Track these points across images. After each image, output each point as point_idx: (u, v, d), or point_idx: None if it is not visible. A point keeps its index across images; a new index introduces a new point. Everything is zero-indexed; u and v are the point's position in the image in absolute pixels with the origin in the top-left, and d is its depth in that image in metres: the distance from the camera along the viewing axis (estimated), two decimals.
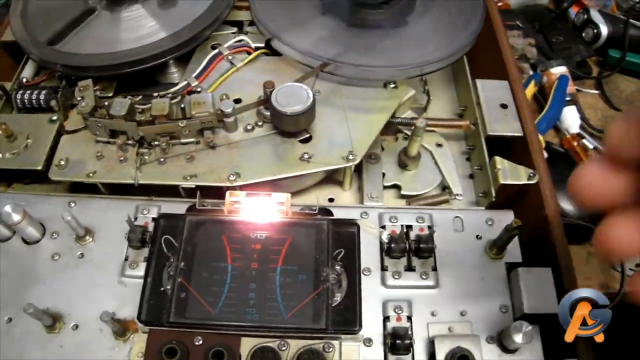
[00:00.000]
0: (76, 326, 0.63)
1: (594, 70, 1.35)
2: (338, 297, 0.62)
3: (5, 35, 0.91)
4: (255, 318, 0.60)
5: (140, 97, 0.77)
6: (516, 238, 0.67)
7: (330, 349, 0.60)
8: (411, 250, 0.67)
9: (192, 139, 0.74)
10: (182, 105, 0.75)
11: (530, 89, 1.21)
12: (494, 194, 0.72)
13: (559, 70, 1.25)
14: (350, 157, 0.72)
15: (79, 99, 0.74)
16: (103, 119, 0.72)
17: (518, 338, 0.59)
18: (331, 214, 0.70)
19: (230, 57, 0.84)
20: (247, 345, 0.60)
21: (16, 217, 0.65)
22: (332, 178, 0.80)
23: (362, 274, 0.65)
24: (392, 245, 0.66)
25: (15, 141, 0.75)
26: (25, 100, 0.80)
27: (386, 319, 0.63)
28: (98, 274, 0.66)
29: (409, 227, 0.69)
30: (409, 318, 0.64)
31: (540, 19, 1.41)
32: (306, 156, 0.72)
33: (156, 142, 0.73)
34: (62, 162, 0.73)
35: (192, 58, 0.85)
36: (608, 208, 0.38)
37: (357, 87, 0.80)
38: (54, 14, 0.85)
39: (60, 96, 0.78)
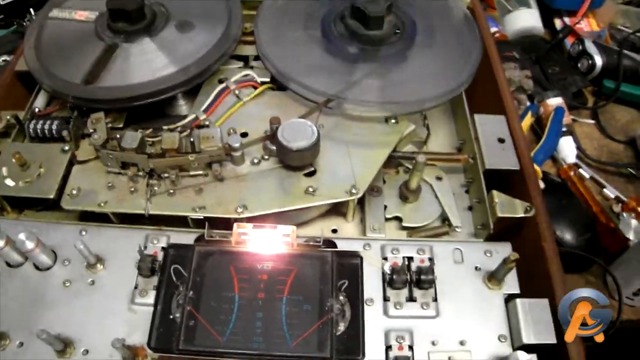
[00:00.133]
0: (86, 351, 0.64)
1: (590, 100, 1.38)
2: (342, 327, 0.64)
3: (19, 65, 0.93)
4: (261, 346, 0.62)
5: (150, 129, 0.79)
6: (514, 269, 0.69)
7: None
8: (412, 281, 0.69)
9: (200, 172, 0.76)
10: (192, 139, 0.77)
11: (527, 120, 1.23)
12: (492, 226, 0.74)
13: (555, 101, 1.27)
14: (354, 190, 0.74)
15: (91, 130, 0.76)
16: (115, 152, 0.74)
17: None
18: (335, 245, 0.71)
19: (237, 92, 0.86)
20: None
21: (30, 245, 0.67)
22: (335, 209, 0.81)
23: (365, 304, 0.67)
24: (394, 276, 0.68)
25: (28, 170, 0.77)
26: (38, 130, 0.82)
27: (388, 348, 0.65)
28: (108, 300, 0.68)
29: (410, 258, 0.71)
30: (410, 347, 0.65)
31: (537, 50, 1.43)
32: (311, 189, 0.74)
33: (166, 174, 0.75)
34: (74, 192, 0.75)
35: (200, 91, 0.87)
36: None
37: (360, 122, 0.82)
38: (69, 48, 0.88)
39: (72, 126, 0.79)
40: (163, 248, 0.70)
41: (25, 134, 0.84)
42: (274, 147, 0.76)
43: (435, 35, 0.91)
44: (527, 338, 0.64)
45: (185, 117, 0.83)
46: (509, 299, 0.69)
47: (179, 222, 0.75)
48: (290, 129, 0.73)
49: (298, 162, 0.75)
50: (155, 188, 0.75)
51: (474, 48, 0.89)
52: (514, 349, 0.65)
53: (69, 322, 0.66)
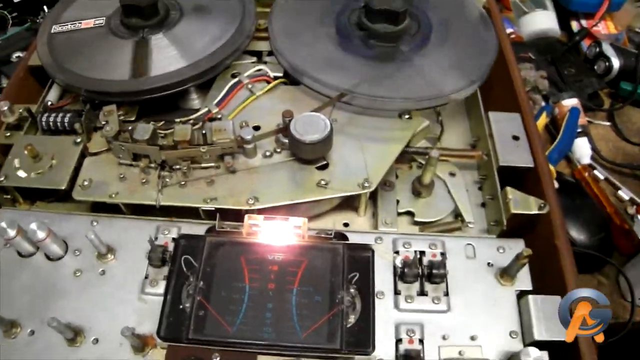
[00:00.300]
0: (96, 340, 0.65)
1: (606, 102, 1.37)
2: (352, 319, 0.64)
3: (32, 60, 0.94)
4: (271, 337, 0.62)
5: (163, 122, 0.80)
6: (526, 266, 0.69)
7: None
8: (424, 275, 0.68)
9: (212, 164, 0.76)
10: (204, 131, 0.77)
11: (542, 120, 1.22)
12: (505, 222, 0.73)
13: (570, 102, 1.26)
14: (366, 184, 0.74)
15: (103, 123, 0.77)
16: (127, 143, 0.75)
17: None
18: (346, 238, 0.71)
19: (250, 86, 0.86)
20: None
21: (41, 235, 0.67)
22: (347, 203, 0.81)
23: (375, 297, 0.66)
24: (406, 270, 0.67)
25: (40, 161, 0.78)
26: (50, 123, 0.82)
27: (399, 341, 0.64)
28: (119, 290, 0.68)
29: (422, 253, 0.70)
30: (421, 341, 0.64)
31: (553, 52, 1.43)
32: (323, 182, 0.74)
33: (177, 166, 0.75)
34: (86, 183, 0.75)
35: (213, 85, 0.87)
36: None
37: (373, 117, 0.82)
38: (82, 46, 0.88)
39: (84, 119, 0.80)
40: (174, 239, 0.70)
41: (38, 127, 0.84)
42: (287, 140, 0.76)
43: (450, 32, 0.90)
44: (539, 334, 0.63)
45: (197, 110, 0.83)
46: (521, 295, 0.68)
47: (190, 213, 0.75)
48: (303, 122, 0.73)
49: (310, 155, 0.75)
50: (167, 180, 0.75)
51: (489, 45, 0.89)
52: (525, 345, 0.65)
53: (80, 311, 0.67)
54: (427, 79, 0.84)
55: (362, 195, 0.76)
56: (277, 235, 0.69)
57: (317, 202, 0.74)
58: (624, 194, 1.15)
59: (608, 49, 1.37)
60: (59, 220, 0.73)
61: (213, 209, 0.73)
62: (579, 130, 1.22)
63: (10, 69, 1.18)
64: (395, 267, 0.69)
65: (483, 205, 0.82)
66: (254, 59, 0.94)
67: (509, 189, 0.74)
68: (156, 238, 0.71)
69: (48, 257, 0.71)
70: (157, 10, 0.89)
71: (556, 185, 1.03)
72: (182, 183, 0.75)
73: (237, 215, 0.72)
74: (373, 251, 0.69)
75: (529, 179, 0.79)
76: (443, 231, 0.78)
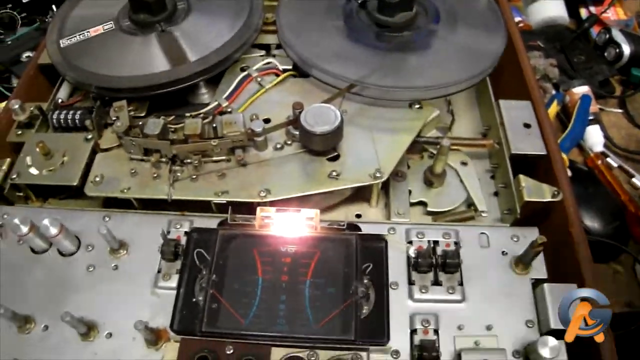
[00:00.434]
0: (110, 334, 0.65)
1: (617, 89, 1.36)
2: (366, 310, 0.63)
3: (42, 58, 0.94)
4: (285, 329, 0.62)
5: (173, 117, 0.80)
6: (541, 254, 0.68)
7: None
8: (438, 265, 0.68)
9: (223, 157, 0.76)
10: (214, 125, 0.77)
11: (553, 109, 1.22)
12: (518, 211, 0.72)
13: (581, 89, 1.26)
14: (378, 174, 0.73)
15: (113, 118, 0.77)
16: (138, 138, 0.75)
17: (544, 353, 0.59)
18: (359, 229, 0.71)
19: (259, 79, 0.86)
20: (277, 354, 0.61)
21: (54, 231, 0.67)
22: (359, 195, 0.81)
23: (389, 288, 0.66)
24: (419, 260, 0.67)
25: (52, 159, 0.78)
26: (61, 120, 0.83)
27: (413, 332, 0.64)
28: (131, 285, 0.68)
29: (436, 242, 0.70)
30: (436, 331, 0.64)
31: (562, 40, 1.42)
32: (334, 174, 0.74)
33: (188, 160, 0.75)
34: (97, 179, 0.76)
35: (222, 80, 0.87)
36: None
37: (383, 107, 0.81)
38: (94, 45, 0.88)
39: (95, 116, 0.80)
40: (186, 232, 0.70)
41: (49, 125, 0.85)
42: (297, 132, 0.76)
43: (458, 20, 0.90)
44: (555, 323, 0.63)
45: (207, 105, 0.83)
46: (537, 284, 0.67)
47: (202, 207, 0.74)
48: (313, 114, 0.73)
49: (321, 147, 0.75)
50: (178, 174, 0.75)
51: (498, 33, 0.88)
52: (542, 334, 0.64)
53: (93, 306, 0.67)
54: (437, 69, 0.83)
55: (374, 185, 0.76)
56: (289, 227, 0.68)
57: (329, 193, 0.74)
58: (638, 181, 1.14)
59: (618, 35, 1.36)
60: (71, 217, 0.73)
61: (225, 202, 0.73)
62: (591, 117, 1.22)
63: (20, 69, 1.19)
64: (408, 257, 0.69)
65: (496, 194, 0.81)
66: (263, 52, 0.93)
67: (521, 176, 0.73)
68: (168, 232, 0.71)
69: (61, 253, 0.71)
70: (165, 6, 0.89)
71: (569, 173, 1.03)
72: (194, 177, 0.75)
73: (249, 208, 0.72)
74: (386, 241, 0.68)
75: (541, 166, 0.79)
76: (456, 221, 0.77)
